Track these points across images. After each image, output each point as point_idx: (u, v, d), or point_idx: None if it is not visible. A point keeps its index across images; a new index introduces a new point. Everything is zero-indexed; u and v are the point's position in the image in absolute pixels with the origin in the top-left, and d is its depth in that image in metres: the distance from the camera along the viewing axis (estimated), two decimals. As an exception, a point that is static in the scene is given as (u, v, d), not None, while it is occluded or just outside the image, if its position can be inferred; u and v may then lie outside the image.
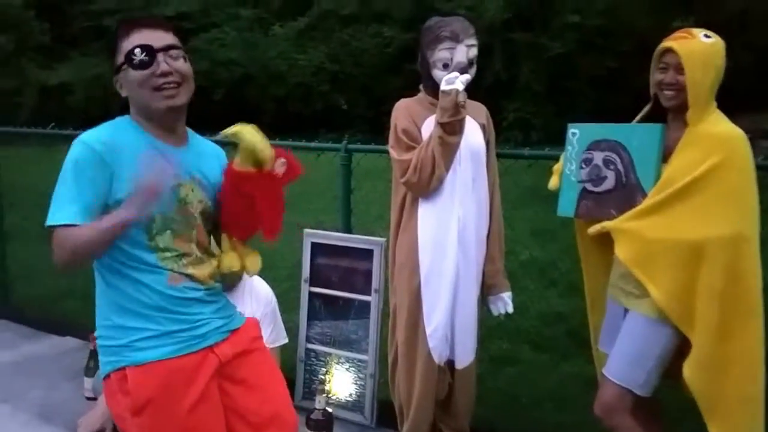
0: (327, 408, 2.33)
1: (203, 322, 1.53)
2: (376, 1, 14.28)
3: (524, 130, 12.25)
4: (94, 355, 2.74)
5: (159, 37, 1.49)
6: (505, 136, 12.47)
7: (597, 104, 11.33)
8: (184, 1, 16.21)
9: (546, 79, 13.16)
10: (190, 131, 1.66)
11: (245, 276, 2.77)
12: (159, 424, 1.46)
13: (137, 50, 1.46)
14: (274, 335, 2.72)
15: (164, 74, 1.47)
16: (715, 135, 1.77)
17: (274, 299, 2.79)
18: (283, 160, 1.54)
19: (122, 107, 1.62)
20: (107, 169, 1.44)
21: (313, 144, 2.81)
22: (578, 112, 11.72)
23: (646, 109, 1.97)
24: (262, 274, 3.45)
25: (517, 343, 3.42)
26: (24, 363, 2.36)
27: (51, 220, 1.42)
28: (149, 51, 1.47)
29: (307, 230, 2.76)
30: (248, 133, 1.52)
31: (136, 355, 1.46)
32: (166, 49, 1.49)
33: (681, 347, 1.81)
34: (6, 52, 15.18)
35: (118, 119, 1.56)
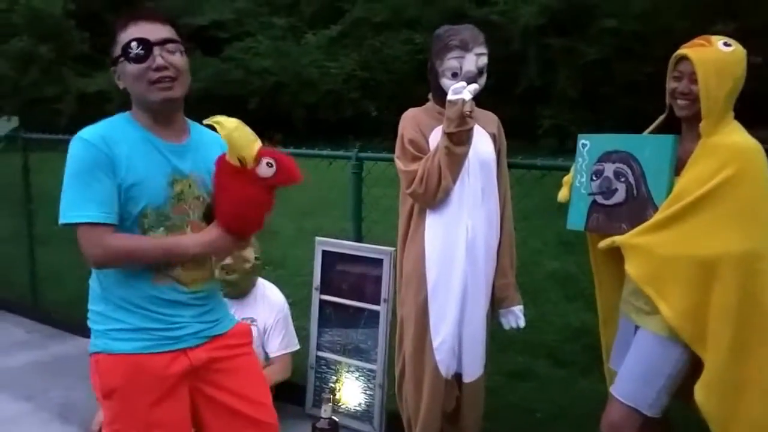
0: (333, 417, 2.33)
1: (180, 325, 1.55)
2: (408, 8, 14.35)
3: (560, 138, 12.11)
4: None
5: (156, 30, 1.50)
6: (540, 144, 12.38)
7: (634, 110, 11.12)
8: (218, 10, 16.57)
9: (582, 86, 13.02)
10: (192, 124, 1.67)
11: (258, 283, 2.81)
12: (123, 412, 1.52)
13: (134, 43, 1.47)
14: (285, 342, 2.75)
15: (159, 68, 1.48)
16: (730, 146, 1.71)
17: (286, 306, 2.82)
18: (269, 160, 1.49)
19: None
20: (109, 161, 1.46)
21: (324, 152, 2.83)
22: (615, 118, 11.56)
23: (661, 119, 1.92)
24: (284, 279, 3.50)
25: (536, 357, 3.37)
26: (49, 363, 2.45)
27: (67, 217, 1.45)
28: (145, 44, 1.48)
29: (318, 238, 2.78)
30: (227, 125, 1.48)
31: (110, 343, 1.51)
32: (163, 42, 1.49)
33: (694, 367, 1.76)
34: (47, 60, 15.74)
35: (117, 115, 1.58)
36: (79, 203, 1.44)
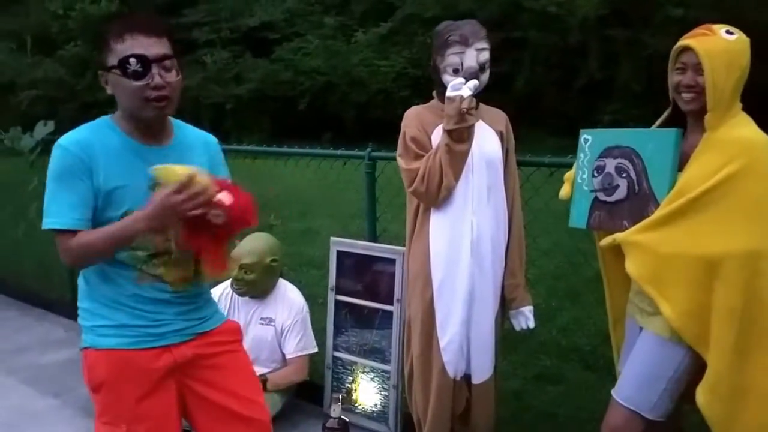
0: (343, 416, 2.42)
1: (163, 323, 1.66)
2: (461, 2, 14.32)
3: (624, 134, 11.82)
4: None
5: (153, 46, 1.54)
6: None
7: (702, 104, 10.74)
8: (268, 11, 16.98)
9: (646, 79, 12.67)
10: (177, 124, 1.74)
11: (279, 283, 2.93)
12: (111, 405, 1.64)
13: (132, 60, 1.51)
14: (303, 344, 2.85)
15: (157, 87, 1.54)
16: (735, 140, 1.70)
17: (306, 308, 2.92)
18: (218, 212, 1.52)
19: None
20: (86, 167, 1.55)
21: (338, 152, 2.92)
22: (681, 113, 11.16)
23: (666, 114, 1.92)
24: (318, 279, 3.60)
25: (566, 360, 3.36)
26: (80, 361, 2.64)
27: (45, 223, 1.57)
28: (144, 62, 1.52)
29: (333, 239, 2.87)
30: (167, 175, 1.51)
31: (96, 339, 1.64)
32: (161, 59, 1.54)
33: (700, 369, 1.75)
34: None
35: (99, 119, 1.65)
36: (54, 210, 1.55)
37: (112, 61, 1.55)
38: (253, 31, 16.86)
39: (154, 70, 1.54)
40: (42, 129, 3.95)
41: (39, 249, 4.49)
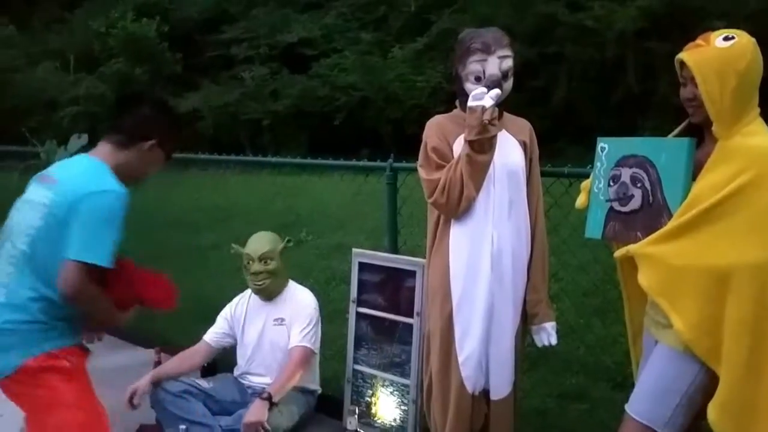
0: (359, 429, 2.44)
1: None
2: (498, 16, 14.35)
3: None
4: (158, 366, 3.08)
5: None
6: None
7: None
8: (306, 27, 17.29)
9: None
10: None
11: (289, 285, 3.02)
12: None
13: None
14: (307, 336, 2.87)
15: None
16: (747, 150, 1.67)
17: (316, 310, 2.97)
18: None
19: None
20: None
21: (361, 163, 2.95)
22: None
23: (684, 124, 1.91)
24: (340, 294, 3.63)
25: (594, 379, 3.31)
26: (106, 370, 2.70)
27: (94, 258, 1.80)
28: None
29: (355, 250, 2.91)
30: None
31: None
32: None
33: (717, 384, 1.72)
34: (141, 82, 17.07)
35: (106, 170, 1.92)
36: (106, 249, 1.83)
37: (166, 149, 2.09)
38: (291, 48, 17.18)
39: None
40: (76, 142, 4.10)
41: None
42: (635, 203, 1.87)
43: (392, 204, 2.87)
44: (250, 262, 2.91)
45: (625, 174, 1.89)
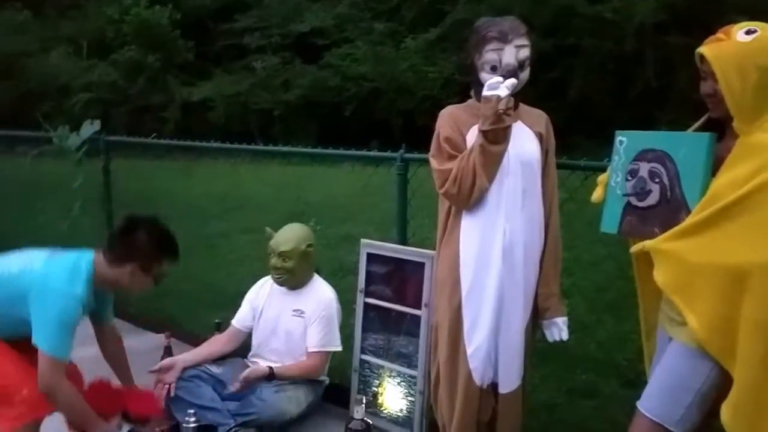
0: (365, 418, 2.44)
1: None
2: (514, 6, 14.25)
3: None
4: (168, 350, 3.11)
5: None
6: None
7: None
8: (319, 17, 17.25)
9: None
10: None
11: (314, 278, 3.04)
12: None
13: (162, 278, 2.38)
14: (324, 339, 2.91)
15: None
16: None
17: (335, 306, 2.98)
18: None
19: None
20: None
21: (371, 153, 2.94)
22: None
23: (704, 118, 1.88)
24: (348, 285, 3.65)
25: (604, 376, 3.30)
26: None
27: (56, 352, 2.13)
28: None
29: (363, 240, 2.91)
30: None
31: None
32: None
33: (731, 383, 1.70)
34: (154, 69, 17.13)
35: (87, 273, 2.23)
36: (66, 344, 2.16)
37: (154, 270, 2.36)
38: (303, 37, 17.16)
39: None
40: (89, 128, 4.12)
41: (82, 246, 4.68)
42: (653, 198, 1.84)
43: (402, 195, 2.86)
44: (271, 254, 2.94)
45: (644, 168, 1.87)
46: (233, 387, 2.78)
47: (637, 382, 3.18)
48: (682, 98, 12.74)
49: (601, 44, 13.21)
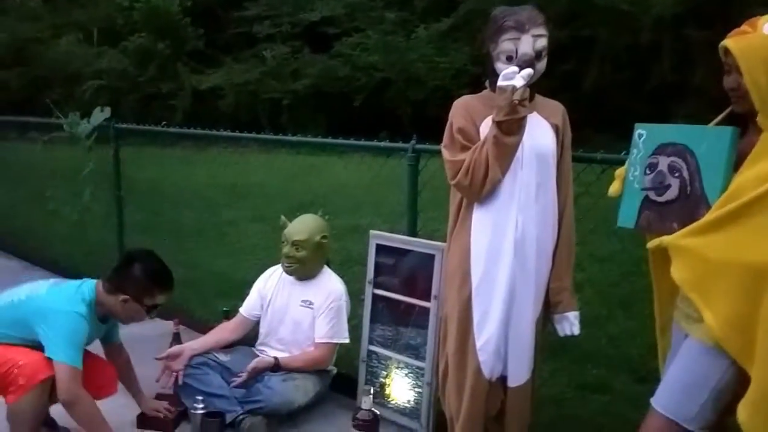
0: (373, 408, 2.44)
1: None
2: (528, -3, 14.17)
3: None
4: (176, 337, 3.13)
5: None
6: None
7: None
8: (330, 5, 17.19)
9: (721, 83, 12.20)
10: None
11: (324, 269, 3.03)
12: None
13: (157, 306, 2.53)
14: (332, 331, 2.90)
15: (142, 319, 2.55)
16: None
17: (344, 298, 2.97)
18: None
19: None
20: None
21: (382, 144, 2.92)
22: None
23: (726, 112, 1.85)
24: (355, 276, 3.66)
25: (615, 371, 3.28)
26: (128, 340, 2.78)
27: (71, 361, 2.26)
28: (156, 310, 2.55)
29: (372, 231, 2.89)
30: None
31: None
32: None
33: (748, 382, 1.68)
34: (164, 57, 17.14)
35: (89, 297, 2.42)
36: (78, 353, 2.31)
37: (147, 301, 2.51)
38: (314, 26, 17.12)
39: (153, 314, 2.58)
40: (99, 115, 4.13)
41: (91, 232, 4.71)
42: (672, 193, 1.81)
43: (413, 186, 2.83)
44: (284, 242, 2.94)
45: (663, 162, 1.84)
46: (239, 379, 2.78)
47: (648, 378, 3.16)
48: (699, 92, 12.64)
49: (618, 36, 13.09)
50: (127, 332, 2.83)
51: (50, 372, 2.24)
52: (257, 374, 2.80)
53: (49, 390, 2.27)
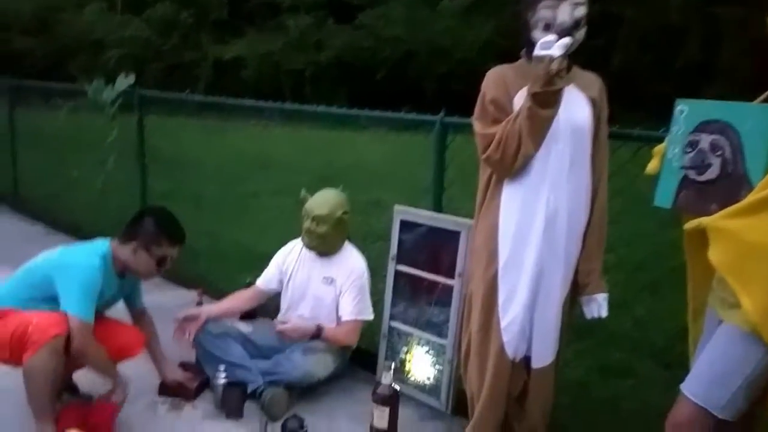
0: (393, 385, 2.42)
1: None
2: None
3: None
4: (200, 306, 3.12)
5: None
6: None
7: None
8: (356, -25, 16.97)
9: (755, 62, 11.90)
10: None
11: (346, 245, 2.99)
12: None
13: (167, 259, 2.56)
14: (358, 308, 2.88)
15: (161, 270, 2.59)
16: None
17: (366, 274, 2.94)
18: None
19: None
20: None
21: (410, 116, 2.85)
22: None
23: (774, 87, 1.77)
24: (376, 251, 3.65)
25: (639, 355, 3.23)
26: (152, 309, 2.81)
27: (83, 314, 2.30)
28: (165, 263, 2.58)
29: (397, 207, 2.84)
30: None
31: None
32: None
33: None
34: (187, 26, 17.09)
35: (103, 251, 2.47)
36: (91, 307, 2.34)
37: (156, 252, 2.54)
38: (338, -4, 16.94)
39: (168, 264, 2.59)
40: (123, 81, 4.11)
41: (114, 199, 4.72)
42: (713, 172, 1.75)
43: (440, 161, 2.76)
44: (305, 216, 2.91)
45: (705, 140, 1.77)
46: (286, 326, 2.83)
47: (673, 364, 3.12)
48: (728, 72, 12.35)
49: (646, 15, 12.79)
50: (151, 301, 2.84)
51: (63, 327, 2.26)
52: (300, 337, 2.83)
53: (63, 350, 2.26)
